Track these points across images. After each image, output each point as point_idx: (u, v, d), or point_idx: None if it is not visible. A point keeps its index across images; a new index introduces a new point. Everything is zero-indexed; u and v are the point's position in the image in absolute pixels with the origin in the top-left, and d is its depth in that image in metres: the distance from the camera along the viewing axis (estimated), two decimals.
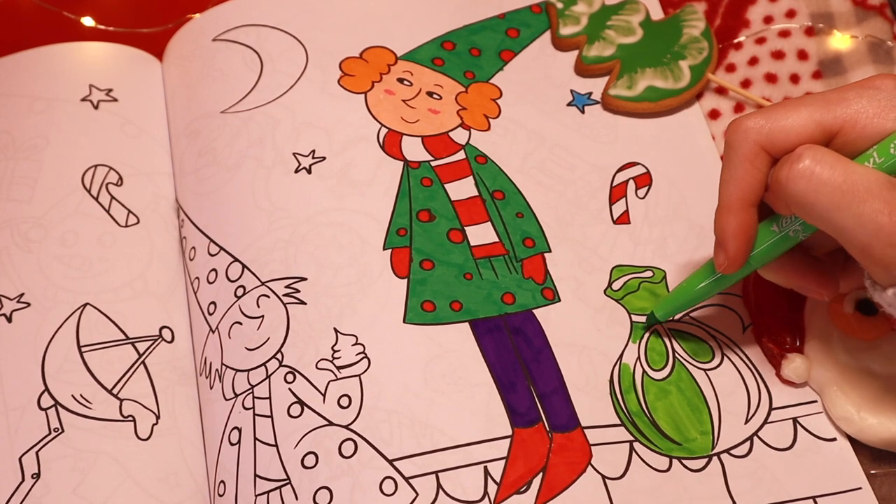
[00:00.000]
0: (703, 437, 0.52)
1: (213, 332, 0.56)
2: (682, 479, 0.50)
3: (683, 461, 0.51)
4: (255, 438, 0.52)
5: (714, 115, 0.62)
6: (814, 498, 0.50)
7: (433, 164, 0.59)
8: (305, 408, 0.52)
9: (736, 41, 0.64)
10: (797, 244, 0.47)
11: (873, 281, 0.44)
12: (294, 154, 0.59)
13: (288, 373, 0.53)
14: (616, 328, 0.54)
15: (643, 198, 0.59)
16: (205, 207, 0.59)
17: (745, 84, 0.62)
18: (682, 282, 0.52)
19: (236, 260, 0.57)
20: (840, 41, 0.62)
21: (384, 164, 0.58)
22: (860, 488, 0.51)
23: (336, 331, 0.53)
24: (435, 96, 0.61)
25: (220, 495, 0.52)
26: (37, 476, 0.53)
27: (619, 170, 0.60)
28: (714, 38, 0.63)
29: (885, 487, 0.51)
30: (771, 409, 0.53)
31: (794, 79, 0.62)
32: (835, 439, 0.52)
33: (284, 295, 0.55)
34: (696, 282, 0.51)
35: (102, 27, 0.68)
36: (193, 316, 0.58)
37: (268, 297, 0.55)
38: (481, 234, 0.57)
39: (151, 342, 0.57)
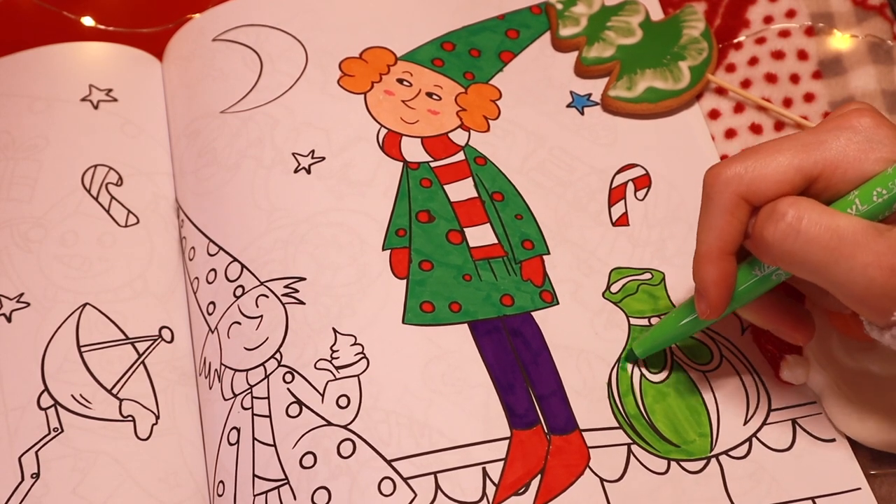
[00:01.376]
0: (702, 439, 0.52)
1: (213, 332, 0.56)
2: (680, 482, 0.50)
3: (682, 463, 0.51)
4: (254, 438, 0.52)
5: (714, 115, 0.62)
6: (813, 498, 0.50)
7: (432, 164, 0.59)
8: (304, 408, 0.52)
9: (736, 41, 0.64)
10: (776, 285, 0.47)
11: (870, 322, 0.44)
12: (293, 154, 0.59)
13: (287, 373, 0.53)
14: (614, 331, 0.54)
15: (642, 200, 0.59)
16: (204, 207, 0.59)
17: (745, 84, 0.62)
18: (661, 320, 0.52)
19: (235, 260, 0.57)
20: (840, 41, 0.62)
21: (383, 165, 0.58)
22: (859, 489, 0.51)
23: (335, 331, 0.53)
24: (434, 97, 0.61)
25: (220, 495, 0.52)
26: (36, 476, 0.53)
27: (619, 171, 0.60)
28: (714, 38, 0.63)
29: (885, 488, 0.51)
30: (770, 410, 0.53)
31: (794, 79, 0.62)
32: (834, 440, 0.52)
33: (283, 295, 0.55)
34: (675, 321, 0.51)
35: (102, 27, 0.68)
36: (193, 316, 0.58)
37: (267, 296, 0.55)
38: (480, 235, 0.57)
39: (151, 342, 0.57)
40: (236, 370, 0.54)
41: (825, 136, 0.44)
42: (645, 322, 0.55)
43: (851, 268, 0.41)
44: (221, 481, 0.52)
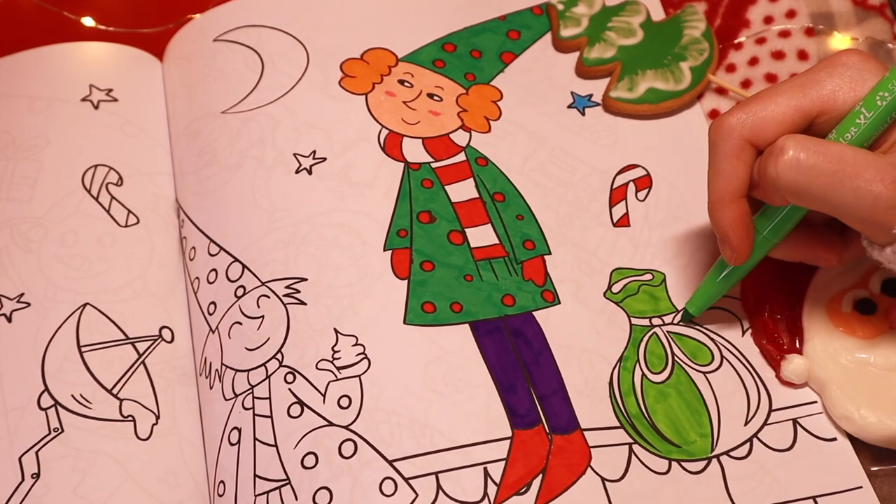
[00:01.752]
0: (703, 440, 0.52)
1: (213, 333, 0.56)
2: (681, 482, 0.50)
3: (683, 463, 0.51)
4: (255, 438, 0.52)
5: (714, 115, 0.62)
6: (814, 498, 0.50)
7: (434, 165, 0.59)
8: (305, 408, 0.52)
9: (736, 41, 0.64)
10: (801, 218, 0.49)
11: (870, 241, 0.46)
12: (294, 155, 0.59)
13: (288, 373, 0.53)
14: (616, 331, 0.54)
15: (643, 200, 0.59)
16: (205, 207, 0.59)
17: (746, 84, 0.62)
18: (705, 277, 0.53)
19: (236, 260, 0.57)
20: (840, 42, 0.62)
21: (385, 166, 0.58)
22: (861, 487, 0.51)
23: (336, 331, 0.53)
24: (435, 98, 0.61)
25: (220, 495, 0.52)
26: (37, 476, 0.53)
27: (620, 172, 0.60)
28: (715, 38, 0.63)
29: (886, 487, 0.51)
30: (770, 410, 0.53)
31: None
32: (835, 439, 0.52)
33: (285, 295, 0.55)
34: (715, 276, 0.53)
35: (103, 27, 0.68)
36: (193, 316, 0.58)
37: (268, 297, 0.55)
38: (481, 235, 0.57)
39: (151, 342, 0.57)
40: (237, 370, 0.54)
41: (819, 75, 0.47)
42: (646, 322, 0.55)
43: (856, 187, 0.43)
44: (222, 481, 0.52)
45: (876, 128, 0.46)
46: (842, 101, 0.46)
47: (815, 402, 0.53)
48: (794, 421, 0.52)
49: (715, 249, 0.57)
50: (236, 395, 0.53)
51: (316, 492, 0.49)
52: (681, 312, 0.55)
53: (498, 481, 0.49)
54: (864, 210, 0.43)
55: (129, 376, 0.55)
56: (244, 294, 0.56)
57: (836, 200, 0.44)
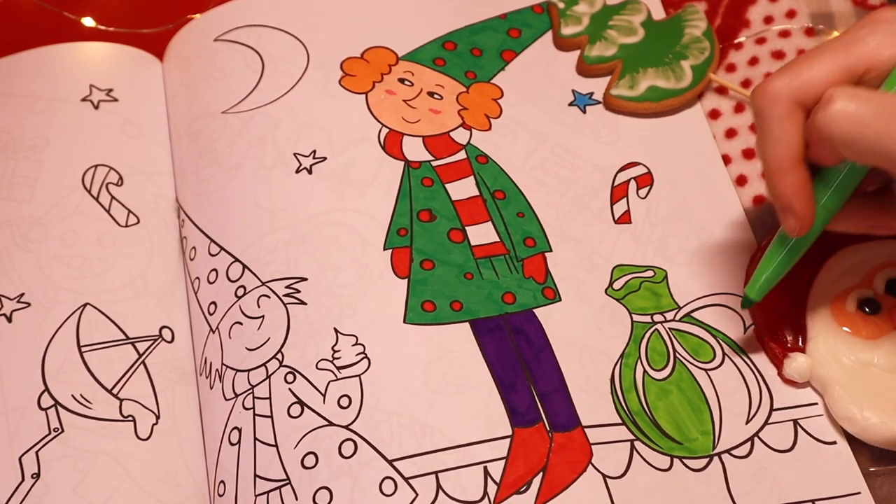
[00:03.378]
0: (704, 437, 0.52)
1: (214, 332, 0.56)
2: (682, 479, 0.50)
3: (684, 461, 0.51)
4: (255, 438, 0.52)
5: (714, 114, 0.62)
6: (813, 501, 0.50)
7: (434, 164, 0.59)
8: (305, 408, 0.52)
9: (736, 41, 0.64)
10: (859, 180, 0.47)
11: None
12: (295, 154, 0.59)
13: (288, 373, 0.53)
14: (617, 327, 0.54)
15: (644, 198, 0.59)
16: (205, 207, 0.59)
17: (746, 84, 0.62)
18: (762, 259, 0.51)
19: (237, 260, 0.57)
20: None
21: (385, 165, 0.59)
22: (859, 493, 0.51)
23: (336, 331, 0.53)
24: (436, 96, 0.62)
25: (220, 495, 0.52)
26: (37, 476, 0.53)
27: (621, 170, 0.60)
28: (715, 37, 0.63)
29: (886, 488, 0.51)
30: (772, 409, 0.53)
31: None
32: (835, 442, 0.52)
33: (285, 295, 0.55)
34: (775, 255, 0.50)
35: (103, 27, 0.68)
36: (193, 316, 0.58)
37: (268, 297, 0.55)
38: (482, 233, 0.57)
39: (151, 342, 0.57)
40: (237, 370, 0.54)
41: (860, 32, 0.45)
42: (648, 319, 0.55)
43: None
44: (222, 481, 0.52)
45: None
46: (887, 56, 0.44)
47: (816, 403, 0.53)
48: (795, 422, 0.52)
49: (718, 247, 0.57)
50: (236, 395, 0.53)
51: (316, 492, 0.49)
52: (741, 299, 0.52)
53: (498, 480, 0.49)
54: None
55: (130, 376, 0.55)
56: (244, 294, 0.56)
57: (888, 151, 0.42)
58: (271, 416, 0.52)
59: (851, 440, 0.52)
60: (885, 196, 0.50)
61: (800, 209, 0.47)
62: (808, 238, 0.49)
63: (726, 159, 0.60)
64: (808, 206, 0.47)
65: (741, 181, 0.59)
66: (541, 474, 0.50)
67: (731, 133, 0.61)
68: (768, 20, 0.64)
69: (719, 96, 0.62)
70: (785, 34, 0.63)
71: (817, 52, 0.45)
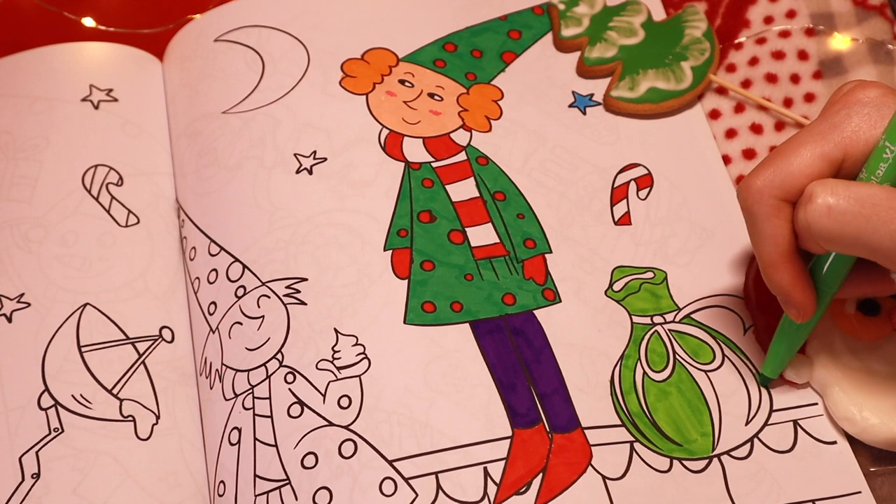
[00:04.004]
0: (704, 439, 0.52)
1: (214, 333, 0.56)
2: (682, 480, 0.50)
3: (684, 462, 0.51)
4: (255, 438, 0.52)
5: (714, 115, 0.62)
6: (813, 501, 0.50)
7: (434, 165, 0.59)
8: (305, 408, 0.52)
9: (736, 41, 0.64)
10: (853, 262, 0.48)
11: None
12: (295, 155, 0.59)
13: (288, 373, 0.53)
14: (617, 329, 0.54)
15: (644, 199, 0.59)
16: (205, 207, 0.59)
17: (746, 84, 0.62)
18: (773, 338, 0.52)
19: (237, 260, 0.57)
20: (840, 43, 0.62)
21: (385, 165, 0.58)
22: (860, 492, 0.51)
23: (336, 331, 0.53)
24: (436, 97, 0.61)
25: (220, 495, 0.52)
26: (37, 476, 0.53)
27: (621, 171, 0.60)
28: (716, 38, 0.63)
29: (886, 488, 0.51)
30: (771, 410, 0.53)
31: (795, 79, 0.62)
32: (835, 442, 0.52)
33: (285, 295, 0.55)
34: (784, 335, 0.51)
35: (103, 28, 0.68)
36: (194, 316, 0.58)
37: (268, 297, 0.55)
38: (482, 235, 0.57)
39: (151, 342, 0.57)
40: (237, 370, 0.54)
41: (837, 118, 0.45)
42: (647, 320, 0.55)
43: (893, 231, 0.42)
44: (222, 481, 0.52)
45: None
46: (864, 139, 0.45)
47: (816, 403, 0.53)
48: (795, 422, 0.52)
49: (719, 248, 0.57)
50: (236, 395, 0.53)
51: (316, 492, 0.49)
52: (758, 376, 0.53)
53: (498, 481, 0.49)
54: None
55: (130, 376, 0.55)
56: (244, 294, 0.56)
57: (871, 245, 0.42)
58: (271, 417, 0.52)
59: (852, 440, 0.52)
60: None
61: (798, 300, 0.47)
62: (812, 321, 0.50)
63: (726, 159, 0.60)
64: (806, 295, 0.47)
65: (741, 181, 0.59)
66: (541, 475, 0.50)
67: (731, 133, 0.61)
68: (768, 20, 0.64)
69: (719, 96, 0.62)
70: (785, 34, 0.63)
71: (797, 143, 0.46)
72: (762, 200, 0.46)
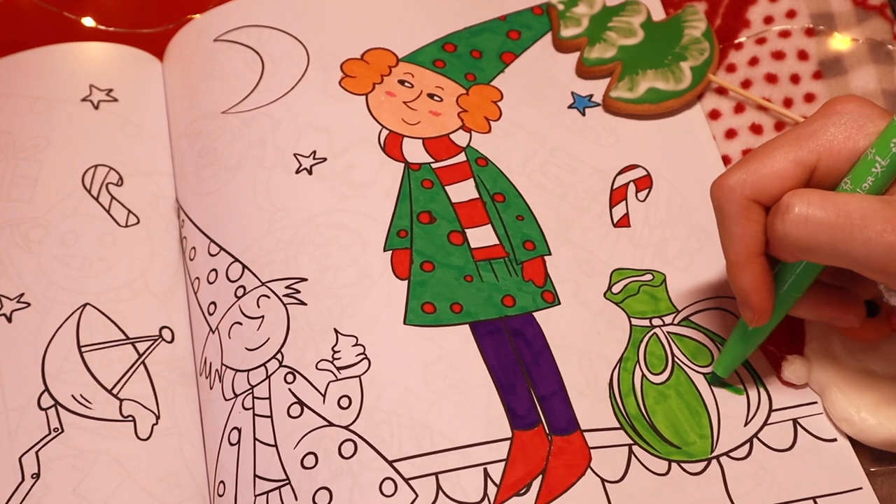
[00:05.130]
0: (702, 441, 0.52)
1: (214, 333, 0.56)
2: (681, 483, 0.50)
3: (682, 464, 0.51)
4: (255, 439, 0.52)
5: (714, 115, 0.62)
6: (814, 498, 0.50)
7: (434, 166, 0.59)
8: (305, 408, 0.52)
9: (736, 41, 0.64)
10: (819, 272, 0.48)
11: (888, 288, 0.46)
12: (295, 155, 0.59)
13: (288, 373, 0.53)
14: (616, 331, 0.54)
15: (643, 201, 0.59)
16: (205, 208, 0.59)
17: (746, 84, 0.62)
18: (728, 338, 0.52)
19: (237, 260, 0.57)
20: (840, 43, 0.62)
21: (385, 166, 0.59)
22: (861, 488, 0.51)
23: (336, 332, 0.53)
24: (436, 98, 0.61)
25: (220, 495, 0.52)
26: (36, 476, 0.53)
27: (620, 172, 0.60)
28: (715, 38, 0.63)
29: (886, 487, 0.51)
30: (770, 410, 0.53)
31: (795, 79, 0.62)
32: (835, 440, 0.52)
33: (285, 295, 0.55)
34: (737, 337, 0.51)
35: (103, 27, 0.68)
36: (193, 316, 0.58)
37: (268, 297, 0.55)
38: (482, 236, 0.57)
39: (151, 342, 0.57)
40: (237, 370, 0.54)
41: (814, 125, 0.46)
42: (646, 323, 0.55)
43: (867, 238, 0.42)
44: (222, 481, 0.52)
45: (892, 174, 0.44)
46: (837, 150, 0.45)
47: (816, 402, 0.53)
48: (795, 421, 0.53)
49: (718, 250, 0.57)
50: (236, 396, 0.53)
51: (316, 492, 0.50)
52: (709, 376, 0.54)
53: (498, 482, 0.49)
54: (877, 261, 0.42)
55: (129, 376, 0.55)
56: (244, 294, 0.56)
57: (848, 253, 0.43)
58: (271, 417, 0.52)
59: (852, 440, 0.52)
60: (844, 289, 0.50)
61: (756, 304, 0.48)
62: (768, 326, 0.50)
63: (726, 160, 0.60)
64: (765, 300, 0.48)
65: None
66: (540, 477, 0.50)
67: (730, 133, 0.61)
68: (768, 20, 0.64)
69: (719, 97, 0.62)
70: (785, 34, 0.63)
71: (772, 147, 0.46)
72: (733, 199, 0.46)
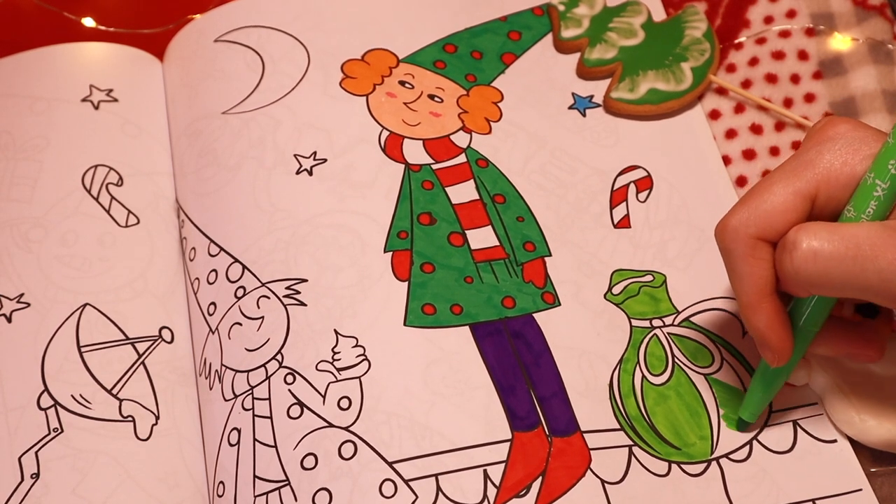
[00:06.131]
0: (702, 442, 0.52)
1: (213, 333, 0.56)
2: (680, 484, 0.50)
3: (682, 466, 0.51)
4: (255, 439, 0.52)
5: (714, 115, 0.62)
6: (814, 500, 0.50)
7: (434, 167, 0.59)
8: (305, 409, 0.52)
9: (736, 41, 0.64)
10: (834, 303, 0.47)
11: None
12: (295, 155, 0.59)
13: (288, 374, 0.53)
14: (616, 332, 0.54)
15: (644, 202, 0.59)
16: (205, 208, 0.59)
17: (746, 84, 0.62)
18: (751, 382, 0.51)
19: (237, 261, 0.57)
20: (840, 43, 0.62)
21: (385, 167, 0.58)
22: (861, 490, 0.51)
23: (336, 332, 0.53)
24: (436, 99, 0.61)
25: (220, 496, 0.52)
26: (36, 476, 0.53)
27: (620, 173, 0.60)
28: (716, 38, 0.63)
29: (886, 488, 0.51)
30: (770, 412, 0.53)
31: (795, 79, 0.62)
32: (835, 441, 0.52)
33: (285, 296, 0.55)
34: (761, 379, 0.50)
35: (103, 28, 0.68)
36: (193, 316, 0.58)
37: (268, 298, 0.55)
38: (482, 237, 0.57)
39: (151, 342, 0.57)
40: (237, 371, 0.54)
41: (809, 155, 0.45)
42: (646, 324, 0.55)
43: (880, 269, 0.41)
44: (222, 482, 0.52)
45: (894, 197, 0.44)
46: (835, 177, 0.45)
47: (815, 403, 0.53)
48: (795, 422, 0.52)
49: (717, 253, 0.57)
50: (236, 396, 0.53)
51: (315, 493, 0.50)
52: (736, 422, 0.53)
53: (498, 483, 0.49)
54: (893, 291, 0.42)
55: (129, 376, 0.56)
56: (244, 295, 0.56)
57: (860, 285, 0.42)
58: (271, 417, 0.52)
59: (852, 441, 0.52)
60: (862, 323, 0.50)
61: (775, 343, 0.47)
62: (790, 365, 0.49)
63: (726, 160, 0.60)
64: (783, 338, 0.47)
65: (741, 182, 0.59)
66: (540, 478, 0.50)
67: (731, 134, 0.61)
68: (768, 20, 0.64)
69: (719, 97, 0.62)
70: (785, 34, 0.63)
71: (770, 182, 0.45)
72: (738, 239, 0.45)
